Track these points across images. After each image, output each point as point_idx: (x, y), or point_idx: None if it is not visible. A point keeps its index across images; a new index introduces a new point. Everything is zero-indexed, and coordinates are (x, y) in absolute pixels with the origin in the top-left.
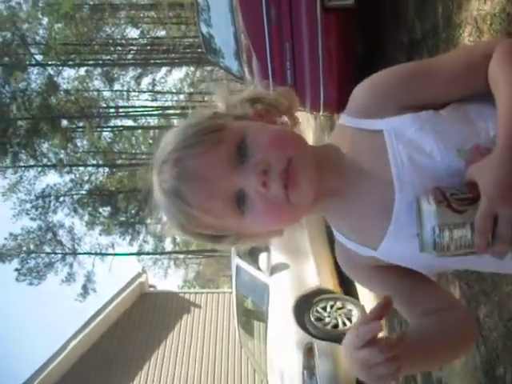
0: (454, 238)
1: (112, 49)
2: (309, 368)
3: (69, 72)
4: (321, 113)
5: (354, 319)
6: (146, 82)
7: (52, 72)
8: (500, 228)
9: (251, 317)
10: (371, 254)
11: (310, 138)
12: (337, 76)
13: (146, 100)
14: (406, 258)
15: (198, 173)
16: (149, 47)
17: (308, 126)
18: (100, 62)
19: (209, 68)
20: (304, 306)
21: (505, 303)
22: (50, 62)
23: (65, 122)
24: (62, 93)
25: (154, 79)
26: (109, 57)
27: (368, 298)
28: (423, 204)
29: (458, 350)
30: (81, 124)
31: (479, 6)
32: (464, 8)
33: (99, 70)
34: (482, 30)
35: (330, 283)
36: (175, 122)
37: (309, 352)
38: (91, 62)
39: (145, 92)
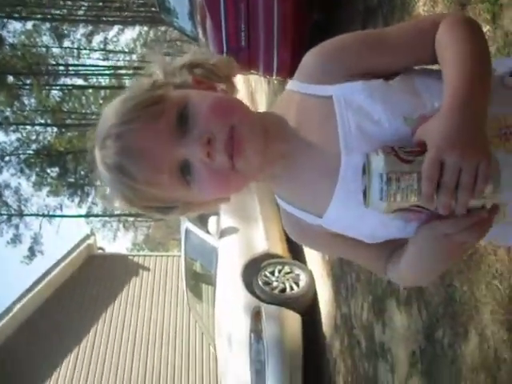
0: (400, 187)
1: (62, 3)
2: (256, 332)
3: (15, 25)
4: (274, 77)
5: (302, 284)
6: (97, 40)
7: None
8: (446, 176)
9: (200, 280)
10: (317, 222)
11: (262, 101)
12: (291, 40)
13: (98, 59)
14: (351, 226)
15: (140, 147)
16: (101, 4)
17: (261, 89)
18: (49, 16)
19: (163, 28)
20: (252, 270)
21: (447, 269)
22: None
23: (11, 79)
24: (7, 47)
25: (105, 37)
26: (58, 11)
27: (316, 263)
28: (371, 156)
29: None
30: (28, 81)
31: None
32: None
33: (48, 24)
34: (437, 0)
35: (279, 248)
36: (127, 82)
37: (256, 316)
38: (39, 16)
39: (96, 50)
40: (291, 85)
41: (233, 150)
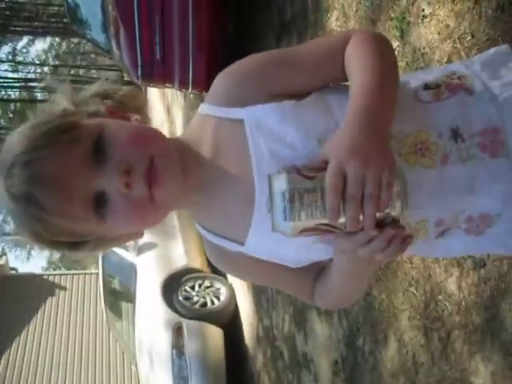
0: (304, 204)
1: None
2: (178, 347)
3: None
4: (189, 90)
5: (223, 298)
6: (5, 50)
7: None
8: (349, 187)
9: (119, 298)
10: (239, 250)
11: (179, 115)
12: (206, 53)
13: (6, 71)
14: (272, 252)
15: (52, 175)
16: (8, 12)
17: (177, 103)
18: None
19: (75, 40)
20: (172, 285)
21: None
22: None
23: None
24: None
25: (14, 48)
26: None
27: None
28: (273, 177)
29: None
30: None
31: None
32: None
33: None
34: (349, 16)
35: (198, 262)
36: (38, 95)
37: (178, 331)
38: None
39: (4, 62)
40: (204, 108)
41: (152, 180)
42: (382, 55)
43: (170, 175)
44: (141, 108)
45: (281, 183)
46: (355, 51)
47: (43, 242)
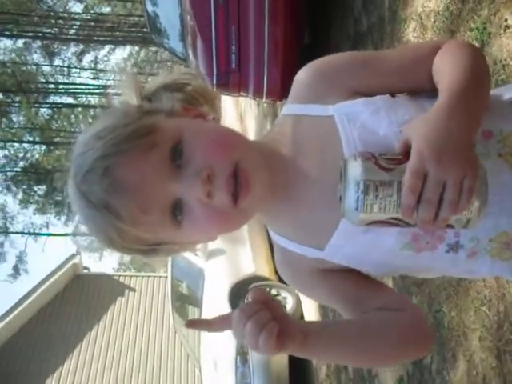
0: (378, 197)
1: (53, 22)
2: (242, 354)
3: (5, 43)
4: (264, 99)
5: (289, 306)
6: (87, 59)
7: None
8: (427, 190)
9: (186, 302)
10: (316, 256)
11: (252, 124)
12: (281, 63)
13: (87, 78)
14: (353, 257)
15: (130, 184)
16: (92, 23)
17: (251, 112)
18: (40, 34)
19: (153, 49)
20: (239, 292)
21: (435, 295)
22: None
23: (0, 95)
24: None
25: (96, 57)
26: (49, 30)
27: None
28: (348, 161)
29: (400, 353)
30: (17, 99)
31: (424, 2)
32: (410, 4)
33: (39, 42)
34: (426, 27)
35: (266, 270)
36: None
37: None
38: (30, 34)
39: (86, 69)
40: (285, 109)
41: (240, 188)
42: (475, 61)
43: (258, 181)
44: (214, 104)
45: (356, 171)
46: (445, 58)
47: (116, 247)
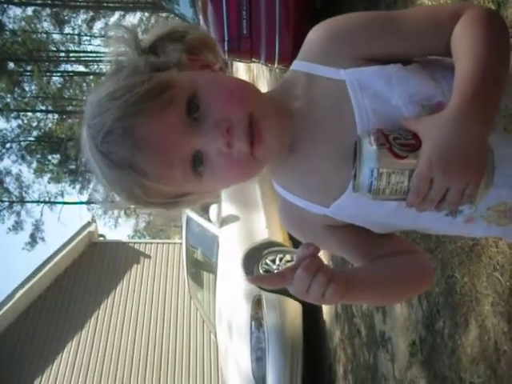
0: (390, 183)
1: None
2: (256, 319)
3: (15, 11)
4: (276, 65)
5: None
6: (98, 26)
7: None
8: (432, 192)
9: (201, 268)
10: (322, 212)
11: (264, 90)
12: (293, 28)
13: (98, 45)
14: (357, 216)
15: (153, 141)
16: None
17: (263, 77)
18: (49, 2)
19: (164, 14)
20: (253, 258)
21: (448, 260)
22: None
23: (11, 65)
24: (7, 33)
25: (106, 24)
26: None
27: None
28: (364, 145)
29: (414, 289)
30: (29, 68)
31: None
32: None
33: (48, 10)
34: None
35: (280, 236)
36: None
37: (257, 304)
38: (39, 2)
39: (97, 37)
40: (295, 65)
41: (254, 138)
42: (495, 39)
43: (271, 131)
44: (215, 51)
45: (371, 156)
46: (464, 32)
47: (139, 203)
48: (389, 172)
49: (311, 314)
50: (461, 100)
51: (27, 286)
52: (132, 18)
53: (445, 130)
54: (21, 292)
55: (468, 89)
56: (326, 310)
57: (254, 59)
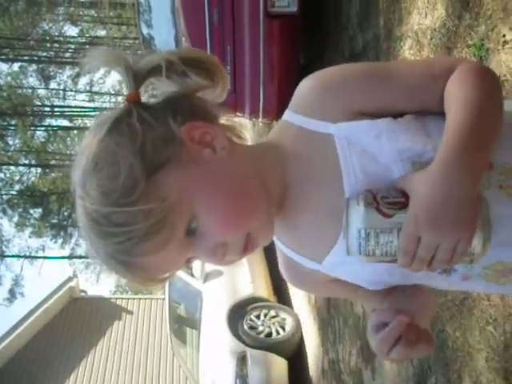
0: (379, 243)
1: (49, 45)
2: (241, 377)
3: (1, 66)
4: (260, 119)
5: (288, 328)
6: (83, 81)
7: None
8: (420, 250)
9: (184, 324)
10: (316, 268)
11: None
12: (277, 82)
13: (83, 100)
14: (352, 272)
15: (148, 266)
16: (88, 46)
17: (246, 132)
18: (35, 58)
19: None
20: (238, 314)
21: (438, 315)
22: None
23: None
24: None
25: (91, 79)
26: (45, 54)
27: (302, 307)
28: (352, 205)
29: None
30: (13, 122)
31: (420, 20)
32: (405, 21)
33: (34, 66)
34: (423, 44)
35: (264, 291)
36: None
37: (242, 360)
38: (26, 58)
39: (82, 92)
40: (286, 115)
41: (247, 249)
42: (487, 93)
43: (264, 239)
44: (224, 79)
45: (358, 216)
46: (457, 86)
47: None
48: (376, 232)
49: (297, 370)
50: (448, 151)
51: (4, 343)
52: (117, 75)
53: (431, 185)
54: None
55: (456, 140)
56: (313, 367)
57: (238, 113)
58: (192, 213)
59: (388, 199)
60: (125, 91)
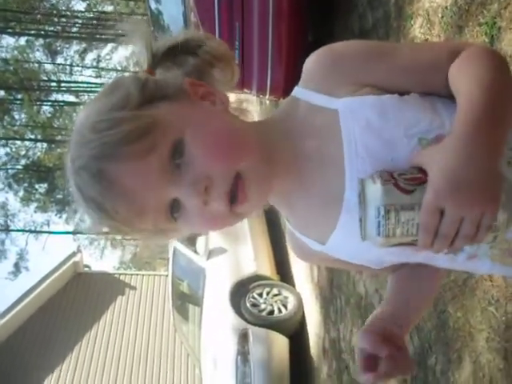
0: (400, 221)
1: (56, 20)
2: (243, 354)
3: (8, 40)
4: (267, 96)
5: (290, 306)
6: (90, 57)
7: None
8: (444, 225)
9: (187, 301)
10: (319, 249)
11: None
12: (285, 60)
13: (90, 76)
14: (355, 254)
15: (125, 188)
16: (95, 21)
17: (252, 110)
18: (42, 32)
19: None
20: (240, 291)
21: (440, 295)
22: None
23: (2, 93)
24: None
25: (98, 55)
26: (52, 28)
27: (305, 286)
28: (367, 185)
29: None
30: (19, 96)
31: None
32: None
33: (41, 40)
34: (433, 23)
35: (267, 269)
36: None
37: (243, 338)
38: (33, 32)
39: (89, 68)
40: (295, 90)
41: (236, 198)
42: (496, 70)
43: (257, 192)
44: (232, 65)
45: (376, 194)
46: (465, 65)
47: (111, 233)
48: (397, 209)
49: (298, 348)
50: (465, 125)
51: (8, 316)
52: (124, 50)
53: (451, 155)
54: (1, 322)
55: (472, 114)
56: (314, 345)
57: (245, 90)
58: (179, 136)
59: (405, 175)
60: (131, 67)
